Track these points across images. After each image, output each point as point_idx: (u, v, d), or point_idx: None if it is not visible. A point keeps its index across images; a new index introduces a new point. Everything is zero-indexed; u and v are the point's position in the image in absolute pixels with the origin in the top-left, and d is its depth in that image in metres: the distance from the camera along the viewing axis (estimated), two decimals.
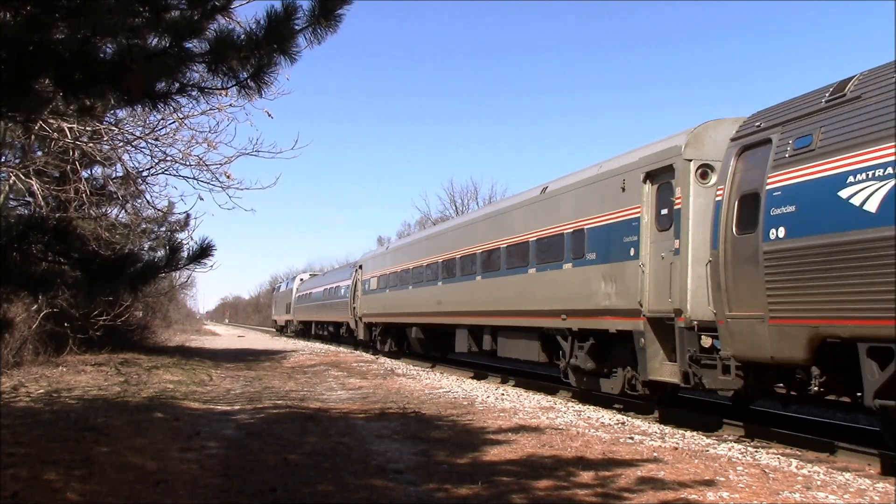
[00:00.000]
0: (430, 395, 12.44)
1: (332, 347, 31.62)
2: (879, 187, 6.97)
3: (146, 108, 4.35)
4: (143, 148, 13.26)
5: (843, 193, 7.40)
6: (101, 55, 3.75)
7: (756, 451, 7.86)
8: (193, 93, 4.11)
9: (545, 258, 13.87)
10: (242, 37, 3.90)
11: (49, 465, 5.93)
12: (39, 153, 12.27)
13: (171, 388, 12.63)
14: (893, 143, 6.94)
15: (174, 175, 13.95)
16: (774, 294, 8.14)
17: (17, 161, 11.56)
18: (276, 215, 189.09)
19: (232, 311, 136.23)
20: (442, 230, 22.19)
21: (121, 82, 3.66)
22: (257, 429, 8.37)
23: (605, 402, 12.63)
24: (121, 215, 16.95)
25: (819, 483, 6.20)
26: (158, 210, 15.40)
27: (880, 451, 8.16)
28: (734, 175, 9.14)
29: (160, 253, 5.13)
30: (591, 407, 11.96)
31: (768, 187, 8.39)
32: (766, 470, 6.61)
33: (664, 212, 10.68)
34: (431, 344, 21.86)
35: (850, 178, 7.35)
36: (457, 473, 6.12)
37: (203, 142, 12.62)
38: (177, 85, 3.96)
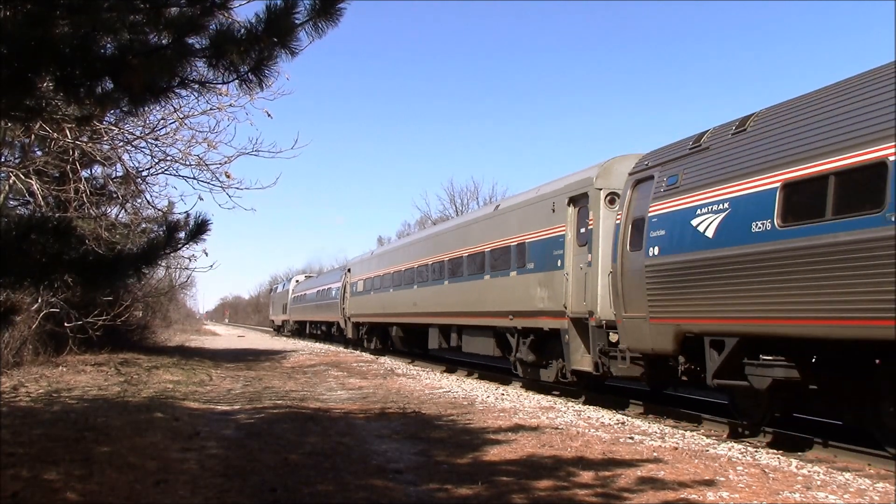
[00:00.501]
0: (430, 395, 12.44)
1: (332, 347, 31.63)
2: (716, 219, 9.11)
3: (148, 104, 4.33)
4: (143, 148, 13.25)
5: (694, 222, 9.49)
6: (102, 52, 3.74)
7: (756, 451, 7.86)
8: (194, 86, 4.11)
9: (497, 266, 16.02)
10: (242, 31, 3.89)
11: (49, 465, 5.93)
12: (39, 153, 12.25)
13: (170, 388, 12.62)
14: (726, 186, 9.11)
15: (174, 175, 13.93)
16: (653, 299, 10.16)
17: (17, 161, 11.55)
18: (276, 215, 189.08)
19: (232, 311, 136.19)
20: (418, 238, 24.39)
21: (121, 78, 3.66)
22: (257, 429, 8.37)
23: (545, 389, 14.33)
24: (121, 215, 16.94)
25: (819, 483, 6.20)
26: (158, 210, 15.37)
27: (729, 420, 10.23)
28: (629, 203, 11.14)
29: (159, 240, 5.14)
30: (591, 407, 11.96)
31: (649, 214, 10.44)
32: (766, 470, 6.60)
33: (582, 230, 12.80)
34: (410, 341, 23.91)
35: (699, 211, 9.45)
36: (457, 473, 6.12)
37: (203, 141, 12.61)
38: (177, 80, 3.95)
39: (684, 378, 10.15)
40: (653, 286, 10.13)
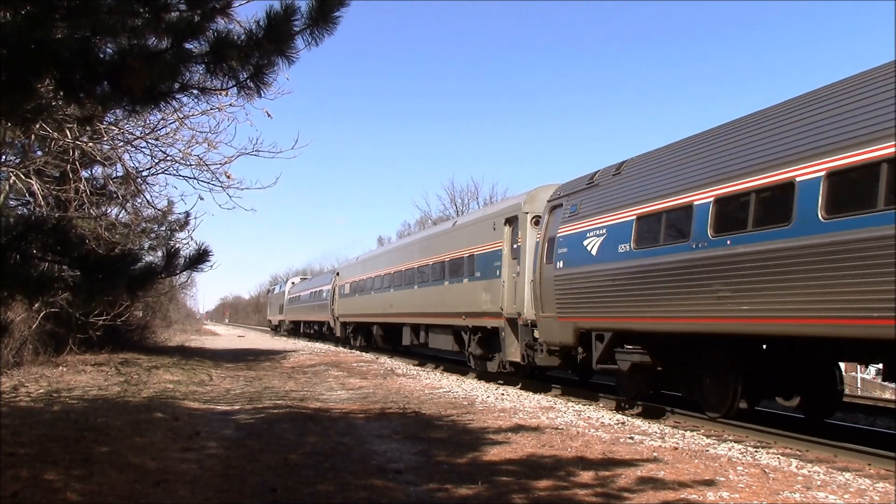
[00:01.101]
0: (430, 395, 12.44)
1: (332, 347, 31.68)
2: (598, 241, 11.90)
3: (148, 108, 4.34)
4: (143, 148, 13.24)
5: (585, 242, 12.24)
6: (102, 55, 3.74)
7: (756, 451, 7.86)
8: (194, 92, 4.10)
9: (454, 274, 18.75)
10: (242, 36, 3.89)
11: (49, 465, 5.93)
12: (39, 153, 12.24)
13: (170, 388, 12.63)
14: (606, 216, 11.91)
15: (174, 175, 13.91)
16: (559, 303, 12.90)
17: (17, 161, 11.54)
18: (276, 215, 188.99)
19: (232, 311, 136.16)
20: (394, 247, 27.71)
21: (121, 81, 3.66)
22: (257, 429, 8.37)
23: (492, 377, 16.89)
24: (121, 215, 16.95)
25: (819, 483, 6.20)
26: (158, 210, 15.38)
27: (615, 397, 12.97)
28: (546, 225, 13.88)
29: (158, 254, 5.14)
30: (592, 407, 11.98)
31: (558, 235, 13.15)
32: (766, 470, 6.61)
33: (515, 246, 15.44)
34: (388, 339, 26.69)
35: (588, 234, 12.19)
36: (457, 473, 6.12)
37: (203, 142, 12.59)
38: (177, 84, 3.96)
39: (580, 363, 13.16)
40: (559, 292, 12.86)
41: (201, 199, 17.07)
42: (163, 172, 14.00)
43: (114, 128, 11.78)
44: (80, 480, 5.54)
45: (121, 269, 4.80)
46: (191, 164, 12.98)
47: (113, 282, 4.63)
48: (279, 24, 3.89)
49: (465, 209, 50.46)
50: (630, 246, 11.02)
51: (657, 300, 10.27)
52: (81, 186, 12.42)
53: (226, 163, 12.75)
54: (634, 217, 11.02)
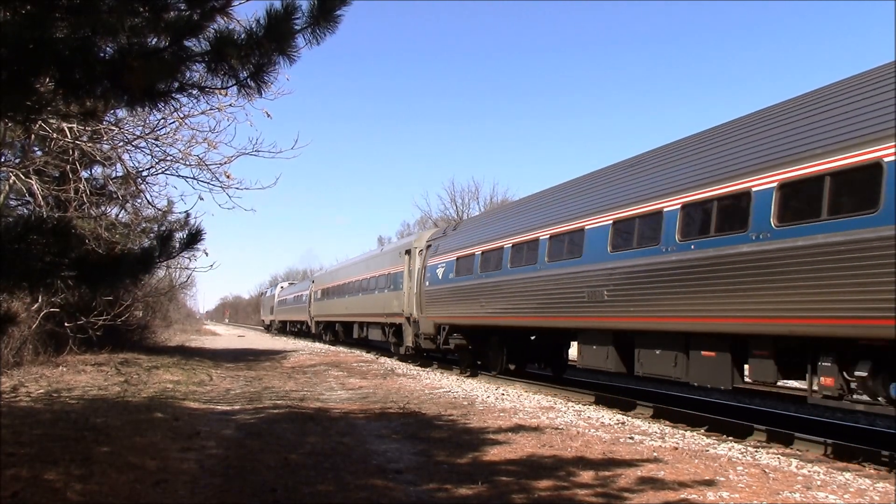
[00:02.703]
0: (430, 395, 12.44)
1: (332, 348, 31.74)
2: (442, 270, 18.98)
3: (147, 108, 4.33)
4: (143, 148, 13.25)
5: (437, 271, 19.52)
6: (102, 54, 3.74)
7: (756, 451, 7.86)
8: (194, 91, 4.10)
9: (380, 286, 25.90)
10: (243, 35, 3.89)
11: (49, 465, 5.93)
12: (39, 153, 12.25)
13: (171, 388, 12.62)
14: (445, 255, 19.16)
15: (174, 175, 13.94)
16: (427, 307, 20.21)
17: (17, 161, 11.54)
18: (276, 215, 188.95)
19: (232, 311, 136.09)
20: (350, 263, 35.08)
21: (121, 80, 3.65)
22: (257, 429, 8.37)
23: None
24: (121, 215, 16.95)
25: (819, 483, 6.20)
26: (158, 209, 15.37)
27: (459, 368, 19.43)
28: (425, 257, 21.06)
29: (155, 250, 5.16)
30: (591, 407, 11.97)
31: (427, 264, 20.47)
32: (766, 470, 6.60)
33: (409, 269, 22.52)
34: (346, 333, 34.09)
35: (439, 265, 19.46)
36: (457, 473, 6.12)
37: (203, 142, 12.59)
38: (177, 83, 3.95)
39: (440, 346, 19.79)
40: (427, 300, 20.36)
41: (201, 199, 17.05)
42: (163, 172, 14.02)
43: (114, 128, 11.77)
44: (80, 480, 5.54)
45: (121, 270, 4.81)
46: (191, 164, 13.00)
47: (113, 275, 4.64)
48: (280, 23, 3.88)
49: (466, 209, 50.95)
50: (453, 274, 18.53)
51: (465, 306, 17.58)
52: (81, 186, 12.41)
53: (226, 163, 12.75)
54: (455, 258, 18.63)
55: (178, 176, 13.71)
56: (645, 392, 14.09)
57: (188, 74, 4.00)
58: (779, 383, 9.86)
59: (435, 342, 19.87)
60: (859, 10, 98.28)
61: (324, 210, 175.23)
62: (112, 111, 10.33)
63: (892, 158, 7.19)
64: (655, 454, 7.14)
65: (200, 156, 12.82)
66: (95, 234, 12.57)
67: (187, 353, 23.40)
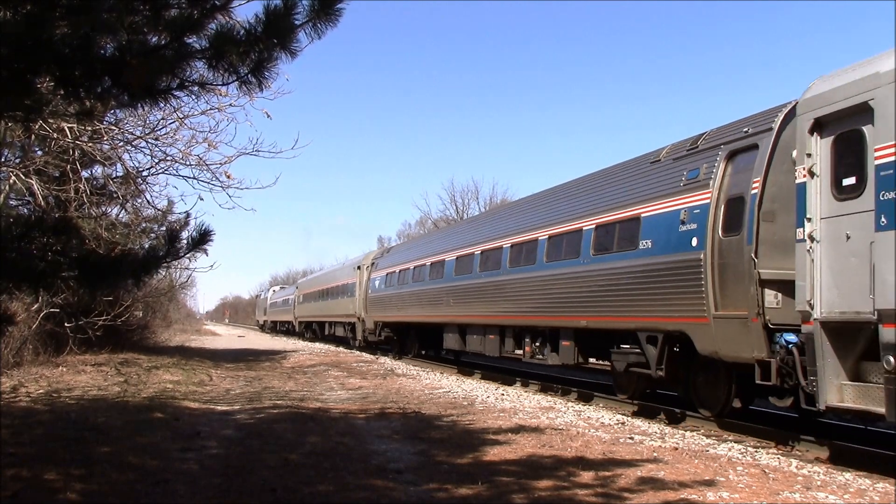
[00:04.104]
0: (430, 395, 12.44)
1: (332, 348, 31.77)
2: (379, 281, 27.32)
3: (146, 105, 4.33)
4: (143, 148, 13.26)
5: (376, 282, 27.76)
6: (101, 52, 3.73)
7: (756, 451, 7.86)
8: (194, 89, 4.11)
9: (341, 293, 33.46)
10: (242, 32, 3.88)
11: (49, 465, 5.92)
12: (39, 153, 12.23)
13: (171, 388, 12.62)
14: (382, 271, 27.44)
15: (174, 175, 13.95)
16: (372, 308, 27.85)
17: (18, 160, 11.53)
18: (276, 215, 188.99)
19: (232, 311, 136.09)
20: (322, 273, 44.34)
21: (121, 78, 3.65)
22: (257, 429, 8.37)
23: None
24: (121, 215, 16.94)
25: (819, 483, 6.20)
26: (158, 209, 15.38)
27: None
28: (369, 272, 29.01)
29: (160, 250, 5.12)
30: (592, 407, 11.98)
31: (371, 277, 28.66)
32: (766, 470, 6.60)
33: (360, 281, 29.84)
34: (321, 330, 41.03)
35: (377, 278, 27.69)
36: (457, 473, 6.11)
37: (203, 141, 12.62)
38: (177, 81, 3.95)
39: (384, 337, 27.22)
40: (370, 304, 27.68)
41: (201, 199, 17.09)
42: (163, 172, 14.03)
43: (114, 128, 11.78)
44: (80, 480, 5.53)
45: (123, 270, 4.81)
46: (191, 164, 13.01)
47: (116, 275, 4.64)
48: (279, 19, 3.88)
49: (466, 209, 51.48)
50: (385, 286, 26.19)
51: (391, 309, 25.13)
52: (81, 186, 12.41)
53: (226, 163, 12.77)
54: (386, 273, 26.40)
55: (179, 176, 13.74)
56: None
57: (188, 72, 4.00)
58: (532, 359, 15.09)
59: (375, 335, 27.37)
60: (859, 10, 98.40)
61: (323, 210, 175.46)
62: (112, 111, 10.33)
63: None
64: (655, 454, 7.13)
65: (200, 156, 12.85)
66: (96, 233, 12.57)
67: (187, 353, 23.39)
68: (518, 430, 8.51)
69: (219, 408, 10.30)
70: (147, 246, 15.76)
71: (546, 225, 14.40)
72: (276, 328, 60.39)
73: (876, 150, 7.02)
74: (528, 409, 10.78)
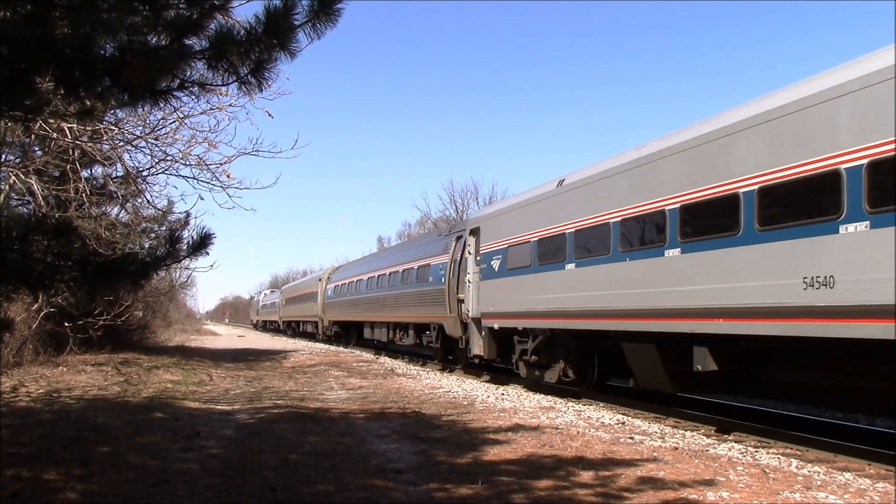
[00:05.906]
0: (430, 395, 12.44)
1: (332, 347, 31.78)
2: (333, 289, 36.93)
3: (147, 106, 4.33)
4: (143, 147, 13.25)
5: (332, 291, 37.29)
6: (101, 52, 3.73)
7: (756, 451, 7.86)
8: (194, 89, 4.10)
9: (310, 299, 42.65)
10: (242, 32, 3.88)
11: (49, 465, 5.92)
12: (39, 152, 12.23)
13: (170, 388, 12.62)
14: (337, 281, 36.53)
15: (174, 175, 13.94)
16: (329, 310, 37.76)
17: (17, 160, 11.53)
18: (276, 215, 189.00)
19: (232, 311, 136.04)
20: (298, 282, 55.39)
21: (121, 77, 3.65)
22: (257, 429, 8.37)
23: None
24: (121, 215, 16.94)
25: (819, 483, 6.20)
26: (158, 209, 15.38)
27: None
28: (326, 283, 39.07)
29: (160, 252, 5.11)
30: (592, 407, 11.98)
31: (327, 287, 38.69)
32: (767, 470, 6.60)
33: (322, 289, 39.47)
34: (297, 328, 49.65)
35: (329, 289, 37.90)
36: (457, 473, 6.11)
37: (203, 141, 12.61)
38: (177, 81, 3.95)
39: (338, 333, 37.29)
40: (327, 307, 37.80)
41: (201, 198, 17.07)
42: (163, 172, 14.02)
43: (114, 128, 11.77)
44: (80, 480, 5.53)
45: (121, 271, 4.80)
46: (191, 164, 13.01)
47: (116, 278, 4.63)
48: (279, 19, 3.88)
49: (465, 209, 51.72)
50: (335, 294, 35.65)
51: (339, 311, 34.46)
52: (81, 186, 12.41)
53: (226, 162, 12.76)
54: (335, 285, 35.77)
55: (179, 176, 13.73)
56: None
57: (188, 72, 4.00)
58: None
59: (330, 331, 36.99)
60: (858, 10, 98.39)
61: (324, 209, 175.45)
62: (112, 111, 10.33)
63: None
64: (655, 454, 7.13)
65: (200, 156, 12.84)
66: (96, 233, 12.57)
67: (187, 353, 23.39)
68: (518, 429, 8.51)
69: (219, 408, 10.30)
70: (147, 246, 15.79)
71: (391, 265, 26.48)
72: (266, 327, 70.02)
73: (480, 247, 17.07)
74: (528, 408, 10.78)
